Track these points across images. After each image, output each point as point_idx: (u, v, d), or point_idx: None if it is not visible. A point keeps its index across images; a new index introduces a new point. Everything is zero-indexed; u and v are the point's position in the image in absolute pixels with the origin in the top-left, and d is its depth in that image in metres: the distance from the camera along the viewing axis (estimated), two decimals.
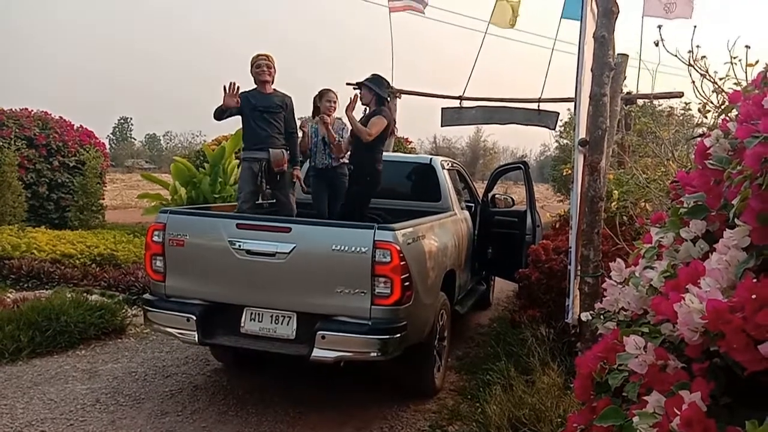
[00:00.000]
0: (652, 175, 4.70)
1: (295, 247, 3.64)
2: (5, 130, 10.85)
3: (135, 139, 72.80)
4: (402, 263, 3.50)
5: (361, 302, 3.54)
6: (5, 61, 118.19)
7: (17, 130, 11.07)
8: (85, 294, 5.91)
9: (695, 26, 3.29)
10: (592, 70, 3.49)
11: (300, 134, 5.23)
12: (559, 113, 8.00)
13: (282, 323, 3.71)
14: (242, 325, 3.75)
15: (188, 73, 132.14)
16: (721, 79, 2.98)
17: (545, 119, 7.85)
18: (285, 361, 4.32)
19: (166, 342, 5.13)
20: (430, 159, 5.91)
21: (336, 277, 3.58)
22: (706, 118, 3.38)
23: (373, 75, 4.97)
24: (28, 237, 8.24)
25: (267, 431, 3.65)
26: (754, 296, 0.95)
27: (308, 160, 5.40)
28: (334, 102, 5.20)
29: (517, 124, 7.89)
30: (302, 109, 5.42)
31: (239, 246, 3.72)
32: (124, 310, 5.66)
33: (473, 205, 6.51)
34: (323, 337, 3.49)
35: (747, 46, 2.76)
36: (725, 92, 2.89)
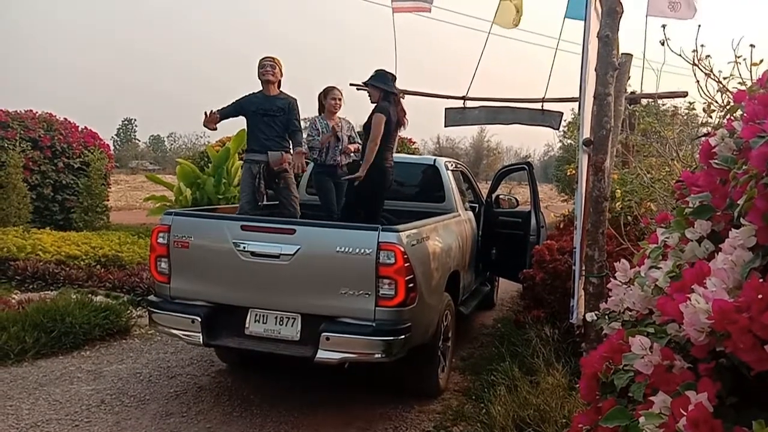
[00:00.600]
0: (656, 175, 4.69)
1: (299, 248, 3.65)
2: (10, 131, 10.86)
3: (139, 141, 72.88)
4: (406, 265, 3.50)
5: (365, 304, 3.54)
6: (7, 62, 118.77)
7: (22, 132, 11.08)
8: (89, 295, 5.92)
9: (699, 25, 3.29)
10: (596, 70, 3.49)
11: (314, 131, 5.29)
12: (563, 113, 7.94)
13: (286, 325, 3.71)
14: (247, 326, 3.76)
15: (189, 74, 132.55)
16: (725, 78, 2.98)
17: (549, 119, 7.81)
18: (289, 362, 4.32)
19: (170, 343, 5.14)
20: (434, 160, 5.91)
21: (340, 278, 3.58)
22: (710, 117, 3.37)
23: (376, 71, 4.94)
24: (33, 238, 8.27)
25: None
26: (760, 296, 0.95)
27: (313, 161, 5.40)
28: (339, 99, 5.26)
29: (520, 124, 7.85)
30: (305, 110, 5.43)
31: (244, 248, 3.73)
32: (128, 311, 5.66)
33: (477, 205, 6.50)
34: (328, 338, 3.49)
35: (752, 46, 2.76)
36: (730, 92, 2.89)
